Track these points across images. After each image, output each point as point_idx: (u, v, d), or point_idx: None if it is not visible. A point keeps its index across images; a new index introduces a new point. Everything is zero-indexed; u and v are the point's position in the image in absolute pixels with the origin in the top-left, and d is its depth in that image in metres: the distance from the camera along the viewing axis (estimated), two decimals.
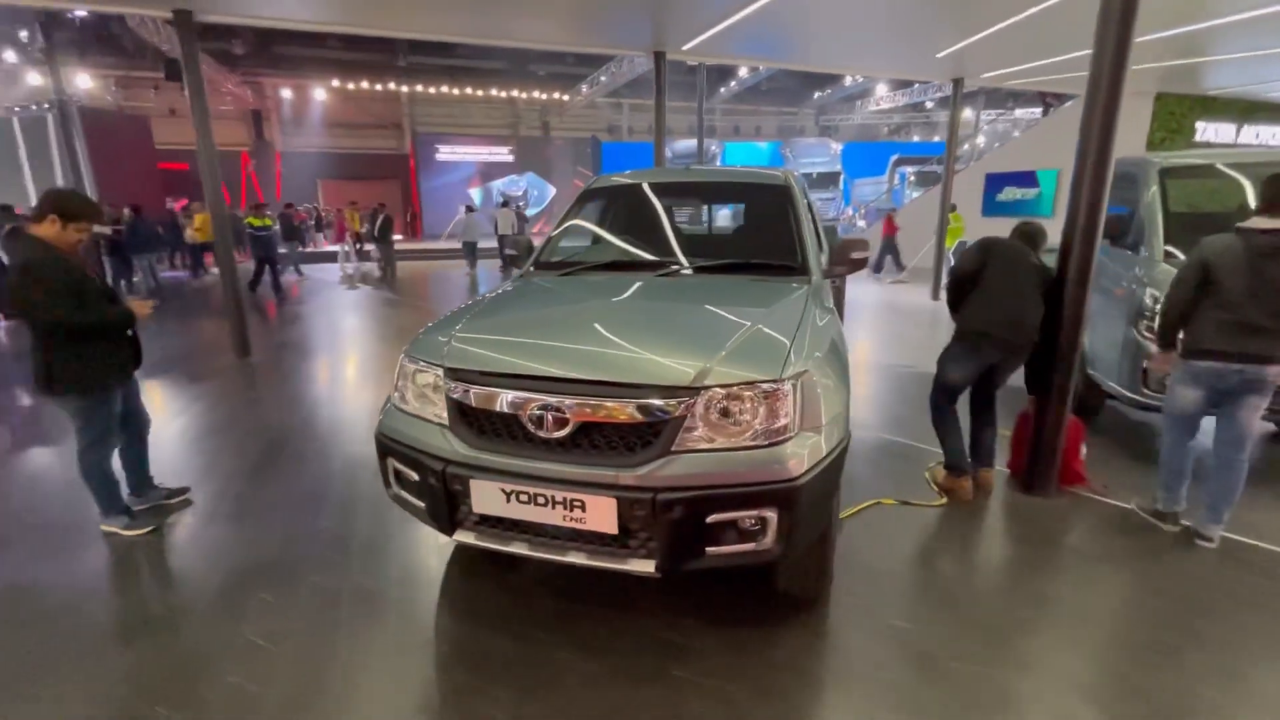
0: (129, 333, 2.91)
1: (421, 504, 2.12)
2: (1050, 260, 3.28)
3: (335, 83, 24.09)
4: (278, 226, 11.83)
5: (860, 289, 11.35)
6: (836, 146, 23.02)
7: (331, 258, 16.75)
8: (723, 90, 26.60)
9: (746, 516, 1.83)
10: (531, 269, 3.16)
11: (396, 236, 14.29)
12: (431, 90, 24.93)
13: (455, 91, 24.96)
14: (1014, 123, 25.83)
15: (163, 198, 19.51)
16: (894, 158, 20.88)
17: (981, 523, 3.15)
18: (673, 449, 1.84)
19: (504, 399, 1.95)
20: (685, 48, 7.36)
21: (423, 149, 25.29)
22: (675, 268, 2.86)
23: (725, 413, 1.87)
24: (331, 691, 2.04)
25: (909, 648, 2.23)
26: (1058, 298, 3.16)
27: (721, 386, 1.85)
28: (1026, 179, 12.39)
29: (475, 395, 1.99)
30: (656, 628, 2.32)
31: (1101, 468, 3.66)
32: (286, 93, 25.46)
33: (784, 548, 1.88)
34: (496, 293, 2.78)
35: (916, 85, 24.69)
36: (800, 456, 1.86)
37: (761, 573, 2.39)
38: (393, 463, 2.19)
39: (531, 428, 1.92)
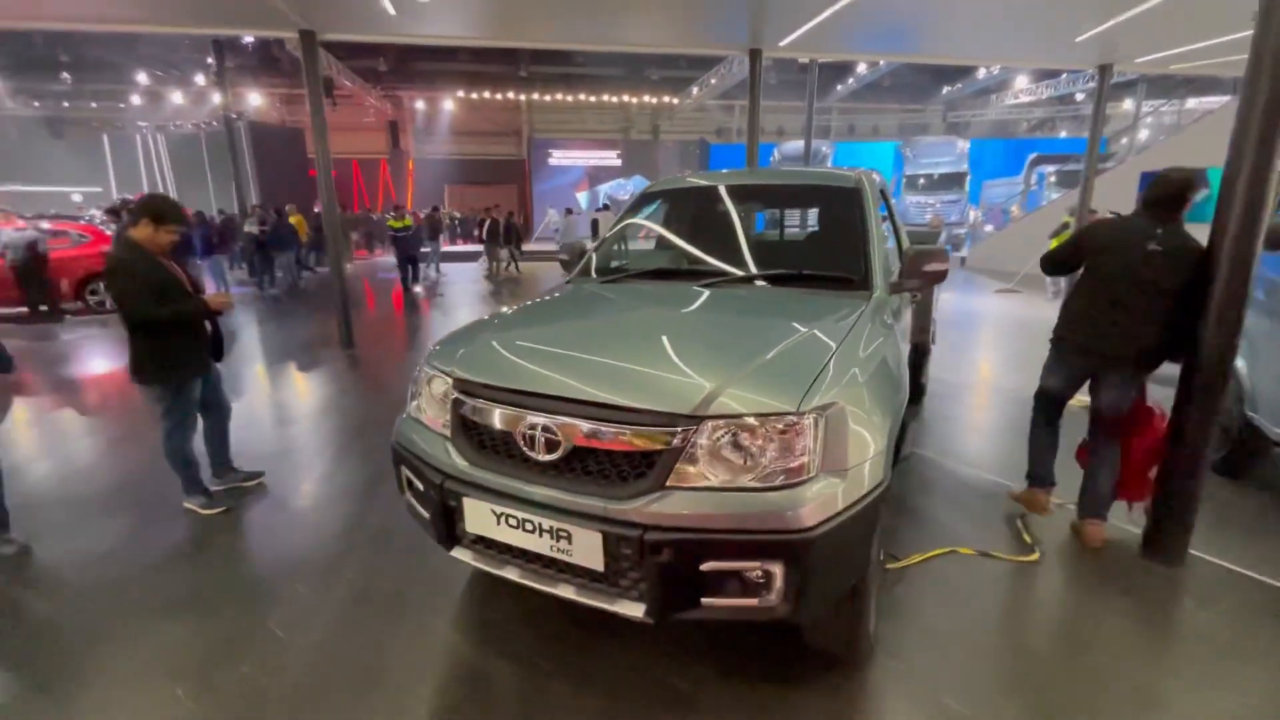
0: (208, 327, 3.14)
1: (426, 515, 2.07)
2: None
3: (461, 93, 25.75)
4: (416, 227, 12.75)
5: (988, 302, 10.32)
6: (963, 145, 21.18)
7: (450, 258, 17.87)
8: (839, 88, 25.46)
9: (748, 568, 1.60)
10: (583, 275, 3.06)
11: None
12: (548, 98, 25.99)
13: (570, 99, 25.85)
14: (1183, 114, 22.46)
15: (312, 201, 21.77)
16: (1032, 156, 18.89)
17: (1079, 588, 2.64)
18: (667, 483, 1.64)
19: (499, 414, 1.85)
20: (782, 44, 7.02)
21: (536, 153, 26.34)
22: (722, 278, 2.64)
23: (733, 446, 1.65)
24: (330, 695, 2.04)
25: None
26: (1192, 321, 2.57)
27: (727, 416, 1.63)
28: None
29: (474, 408, 1.91)
30: (666, 670, 2.13)
31: (1245, 533, 2.99)
32: (420, 104, 27.52)
33: (794, 607, 1.62)
34: (531, 301, 2.71)
35: (1065, 75, 22.21)
36: (817, 504, 1.59)
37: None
38: (405, 470, 2.16)
39: (524, 447, 1.81)
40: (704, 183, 3.22)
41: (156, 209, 2.89)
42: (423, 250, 13.08)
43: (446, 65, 24.71)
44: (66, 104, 24.11)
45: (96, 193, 22.41)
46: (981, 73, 23.50)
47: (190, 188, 21.16)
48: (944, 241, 4.83)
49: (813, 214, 3.31)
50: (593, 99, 25.96)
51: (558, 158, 26.22)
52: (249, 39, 17.67)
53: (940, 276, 2.54)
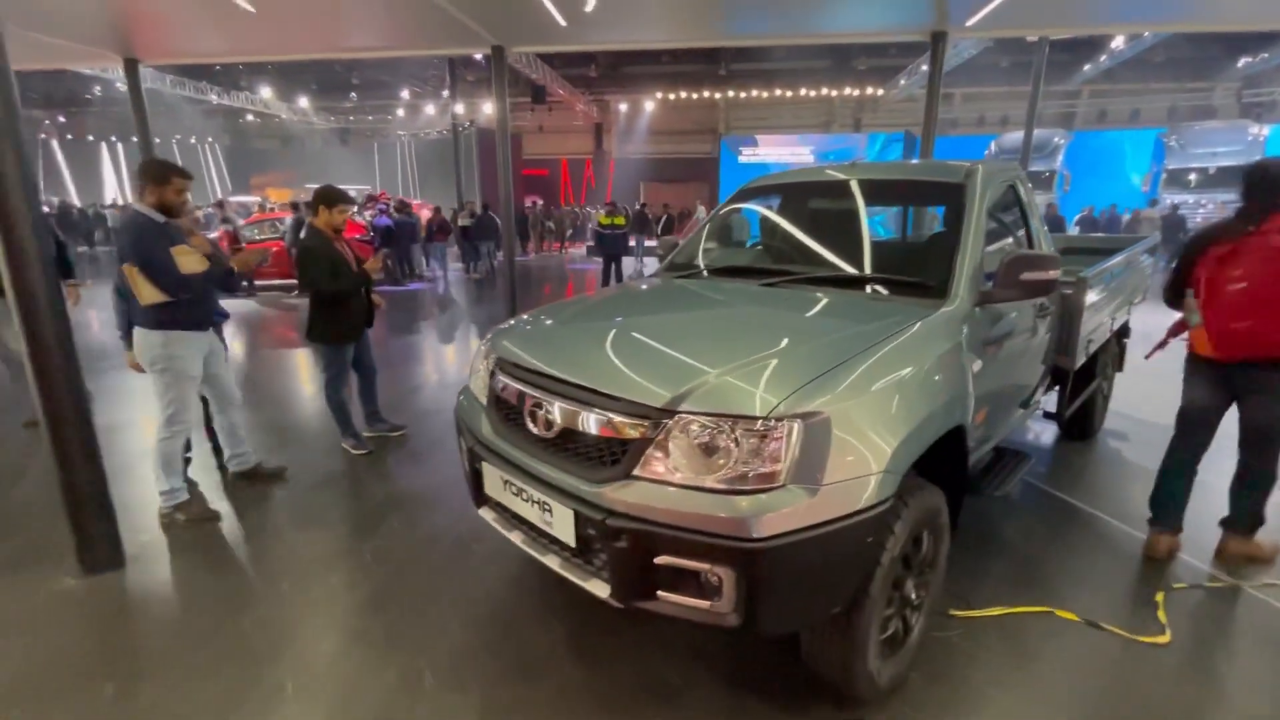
0: (366, 299, 3.76)
1: (468, 474, 2.33)
2: None
3: (661, 95, 26.76)
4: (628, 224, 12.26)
5: None
6: (1260, 130, 16.74)
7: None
8: (1087, 68, 21.63)
9: (698, 568, 1.57)
10: (668, 269, 3.13)
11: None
12: (745, 95, 25.88)
13: (765, 95, 25.47)
14: None
15: (523, 197, 24.39)
16: None
17: (1218, 686, 2.07)
18: (634, 473, 1.67)
19: (512, 389, 2.02)
20: (970, 22, 6.24)
21: (727, 151, 26.48)
22: (786, 277, 2.53)
23: (704, 443, 1.62)
24: (387, 611, 2.41)
25: None
26: None
27: (698, 414, 1.61)
28: None
29: (498, 382, 2.11)
30: (663, 663, 2.15)
31: None
32: (623, 107, 29.18)
33: (744, 618, 1.56)
34: (597, 292, 2.85)
35: None
36: (777, 515, 1.51)
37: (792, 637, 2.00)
38: (460, 436, 2.44)
39: (529, 423, 1.95)
40: (799, 179, 3.07)
41: (325, 195, 3.56)
42: (630, 245, 12.67)
43: (650, 68, 25.83)
44: (351, 118, 29.79)
45: (367, 189, 27.58)
46: None
47: (431, 186, 25.06)
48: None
49: (914, 212, 2.97)
50: (788, 94, 25.30)
51: (748, 155, 26.02)
52: (480, 55, 20.24)
53: (1043, 287, 2.16)
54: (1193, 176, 16.97)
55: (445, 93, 26.68)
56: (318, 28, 6.97)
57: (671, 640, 2.25)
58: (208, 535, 3.01)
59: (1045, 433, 4.31)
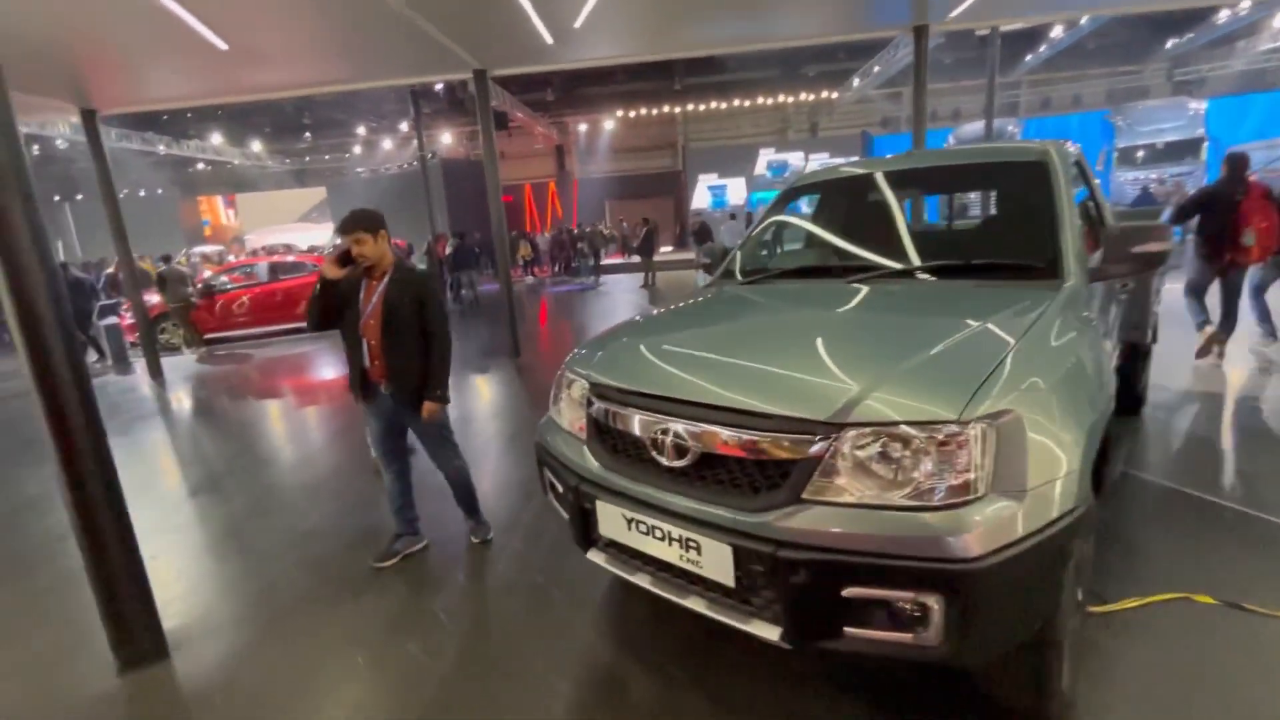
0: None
1: (565, 516, 2.12)
2: None
3: (620, 113, 26.90)
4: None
5: None
6: (1198, 105, 17.51)
7: (612, 270, 18.68)
8: (1029, 58, 22.50)
9: (898, 598, 1.40)
10: (726, 277, 2.98)
11: (667, 248, 15.11)
12: (702, 108, 26.20)
13: (723, 106, 25.82)
14: None
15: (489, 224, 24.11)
16: None
17: None
18: (804, 496, 1.50)
19: (628, 418, 1.83)
20: (953, 14, 6.32)
21: (690, 164, 26.65)
22: (878, 273, 2.39)
23: (882, 457, 1.46)
24: (479, 681, 2.17)
25: None
26: None
27: (874, 424, 1.45)
28: None
29: (606, 411, 1.91)
30: (808, 701, 1.96)
31: None
32: (583, 127, 29.23)
33: (956, 648, 1.39)
34: (672, 305, 2.68)
35: None
36: (986, 530, 1.35)
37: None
38: (546, 471, 2.23)
39: (653, 452, 1.76)
40: (856, 171, 2.97)
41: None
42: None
43: (606, 88, 25.98)
44: (307, 159, 29.22)
45: (326, 230, 26.97)
46: (1223, 15, 19.30)
47: (393, 221, 24.64)
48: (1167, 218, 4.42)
49: (992, 195, 2.91)
50: (746, 104, 25.68)
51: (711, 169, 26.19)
52: (439, 87, 20.07)
53: (1157, 260, 2.07)
54: (1141, 153, 17.65)
55: (404, 125, 26.42)
56: (294, 62, 6.72)
57: (808, 674, 2.05)
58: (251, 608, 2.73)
59: None
